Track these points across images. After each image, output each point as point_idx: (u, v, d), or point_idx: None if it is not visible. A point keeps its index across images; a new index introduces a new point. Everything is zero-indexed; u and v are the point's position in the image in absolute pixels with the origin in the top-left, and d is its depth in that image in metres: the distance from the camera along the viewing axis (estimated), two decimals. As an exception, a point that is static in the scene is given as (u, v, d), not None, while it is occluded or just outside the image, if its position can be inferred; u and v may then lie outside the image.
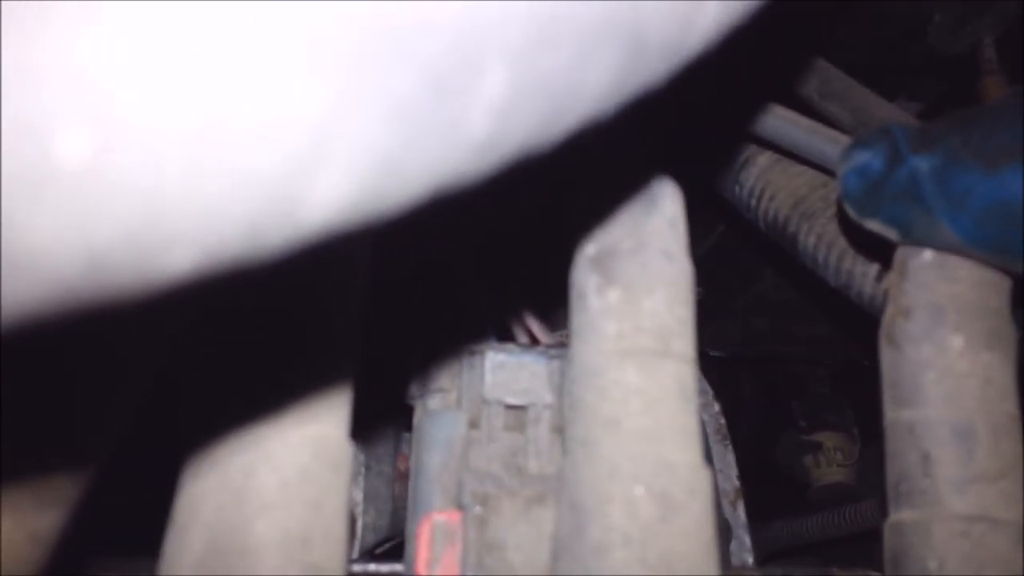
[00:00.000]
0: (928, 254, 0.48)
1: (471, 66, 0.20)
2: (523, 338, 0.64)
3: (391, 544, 0.75)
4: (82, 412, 0.35)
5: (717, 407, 1.02)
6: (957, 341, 0.47)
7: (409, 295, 0.62)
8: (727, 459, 1.00)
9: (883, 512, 1.15)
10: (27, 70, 0.16)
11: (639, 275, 0.44)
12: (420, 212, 0.23)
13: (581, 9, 0.22)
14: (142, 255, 0.18)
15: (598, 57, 0.23)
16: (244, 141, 0.18)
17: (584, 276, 0.46)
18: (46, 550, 0.35)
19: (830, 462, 1.38)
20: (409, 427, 0.78)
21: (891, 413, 0.48)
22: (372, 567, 0.57)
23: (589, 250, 0.46)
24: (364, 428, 0.75)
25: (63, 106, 0.16)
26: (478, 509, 0.48)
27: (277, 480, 0.38)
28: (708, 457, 0.84)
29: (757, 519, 0.95)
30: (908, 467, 0.46)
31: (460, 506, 0.50)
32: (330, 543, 0.39)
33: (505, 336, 0.63)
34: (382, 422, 0.75)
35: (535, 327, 0.63)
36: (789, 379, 1.44)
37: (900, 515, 0.46)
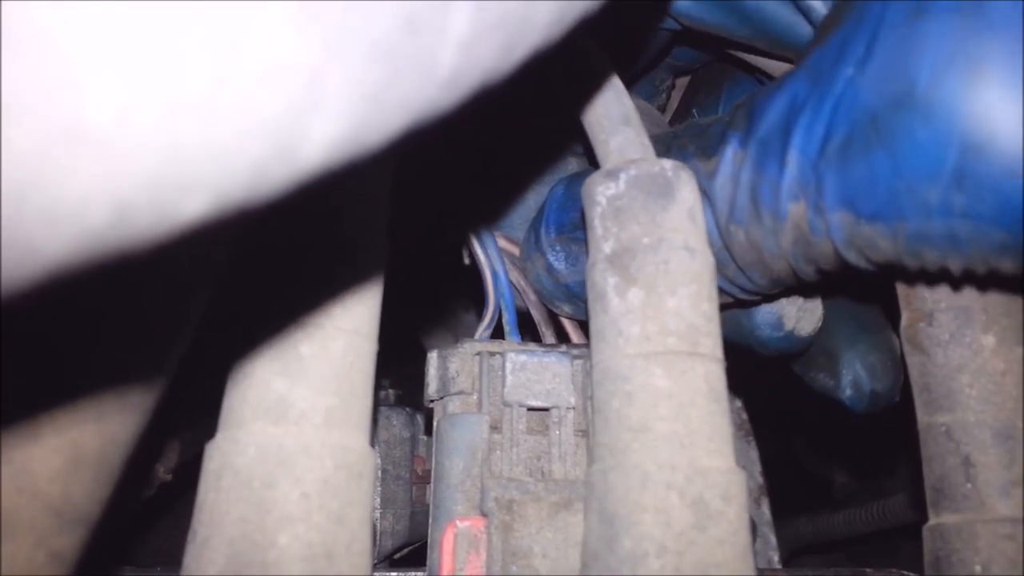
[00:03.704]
0: None
1: (440, 6, 0.22)
2: (550, 337, 0.63)
3: (410, 549, 0.74)
4: (102, 428, 0.35)
5: (739, 402, 1.00)
6: (989, 340, 0.45)
7: (422, 290, 0.61)
8: (751, 455, 0.98)
9: (913, 507, 1.13)
10: (56, 35, 0.17)
11: (661, 273, 0.43)
12: (398, 145, 0.25)
13: None
14: (163, 202, 0.20)
15: None
16: (250, 90, 0.19)
17: (602, 276, 0.44)
18: (68, 570, 0.35)
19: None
20: (425, 429, 0.77)
21: (925, 417, 0.47)
22: (394, 575, 0.56)
23: (606, 248, 0.45)
24: (380, 431, 0.74)
25: (90, 67, 0.17)
26: (502, 516, 0.47)
27: (299, 492, 0.37)
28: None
29: (780, 516, 0.94)
30: (948, 471, 0.45)
31: (484, 512, 0.49)
32: (354, 555, 0.38)
33: (531, 334, 0.62)
34: (399, 425, 0.74)
35: (567, 324, 0.62)
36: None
37: (941, 519, 0.44)
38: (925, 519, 0.47)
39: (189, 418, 0.64)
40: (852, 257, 0.43)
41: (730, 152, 0.47)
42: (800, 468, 1.41)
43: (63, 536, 0.33)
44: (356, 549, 0.38)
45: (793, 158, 0.42)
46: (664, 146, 0.52)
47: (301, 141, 0.21)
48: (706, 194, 0.48)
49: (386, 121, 0.23)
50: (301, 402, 0.38)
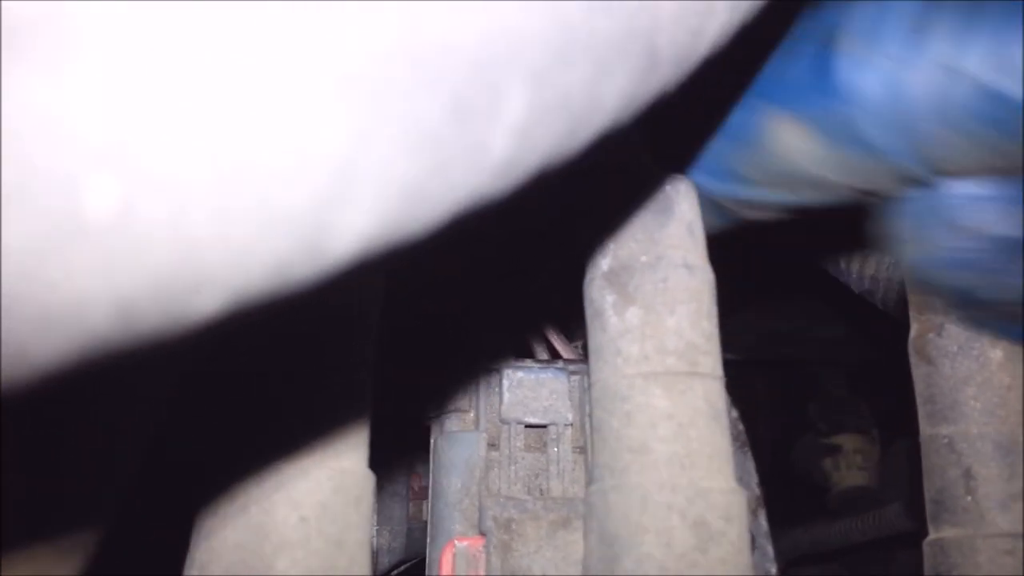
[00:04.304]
0: None
1: (492, 89, 0.20)
2: (543, 353, 0.62)
3: (407, 566, 0.73)
4: (101, 454, 0.34)
5: (735, 413, 1.00)
6: (997, 354, 0.46)
7: (423, 312, 0.60)
8: (747, 466, 0.98)
9: (908, 517, 1.13)
10: (51, 125, 0.15)
11: (659, 292, 0.42)
12: (442, 235, 0.22)
13: (600, 25, 0.23)
14: (172, 301, 0.18)
15: (615, 70, 0.23)
16: (271, 181, 0.17)
17: (600, 293, 0.44)
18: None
19: (850, 465, 1.35)
20: (422, 446, 0.76)
21: (928, 428, 0.47)
22: (393, 595, 0.56)
23: (603, 264, 0.44)
24: (377, 449, 0.73)
25: (88, 160, 0.16)
26: (501, 535, 0.47)
27: (297, 517, 0.36)
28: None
29: (775, 525, 0.94)
30: (948, 484, 0.45)
31: (482, 531, 0.48)
32: (353, 580, 0.37)
33: (524, 351, 0.62)
34: (396, 442, 0.74)
35: (556, 340, 0.62)
36: (806, 381, 1.42)
37: (941, 532, 0.45)
38: (921, 529, 0.47)
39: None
40: None
41: None
42: (795, 478, 1.42)
43: (61, 564, 0.33)
44: (355, 572, 0.37)
45: None
46: None
47: (329, 236, 0.19)
48: None
49: (427, 212, 0.21)
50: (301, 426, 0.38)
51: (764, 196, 0.45)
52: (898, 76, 0.36)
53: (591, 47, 0.22)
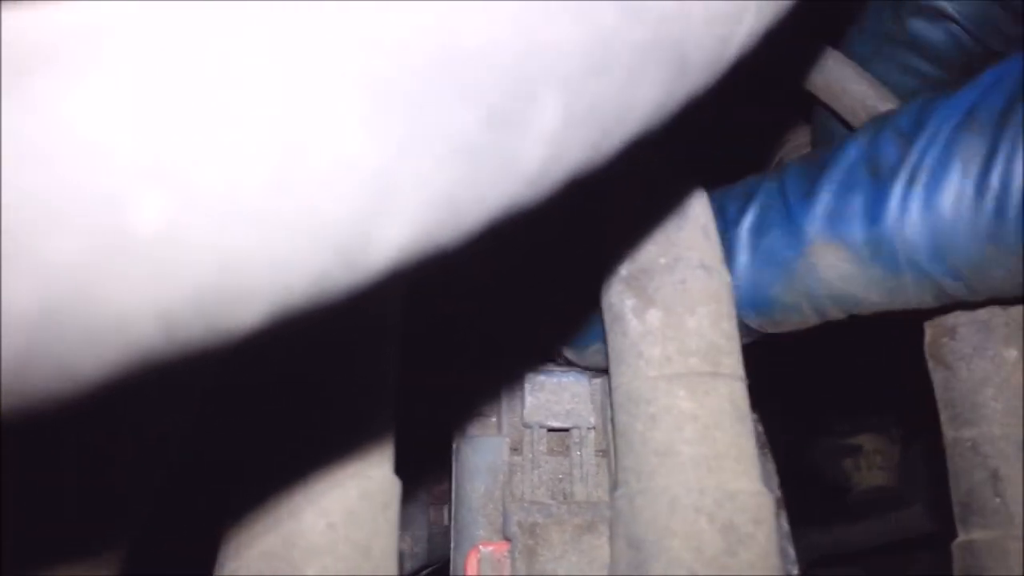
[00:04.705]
0: None
1: (526, 98, 0.20)
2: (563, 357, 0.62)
3: (429, 571, 0.73)
4: (129, 465, 0.34)
5: (755, 414, 1.00)
6: (1011, 354, 0.45)
7: (444, 316, 0.61)
8: (767, 468, 0.98)
9: (929, 518, 1.12)
10: (96, 141, 0.16)
11: (679, 293, 0.42)
12: (474, 244, 0.23)
13: (632, 32, 0.23)
14: (215, 314, 0.18)
15: (646, 78, 0.24)
16: (312, 194, 0.18)
17: (619, 297, 0.44)
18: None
19: (870, 465, 1.34)
20: (442, 450, 0.76)
21: (951, 432, 0.47)
22: (419, 601, 0.56)
23: (622, 269, 0.44)
24: (398, 453, 0.74)
25: (134, 175, 0.16)
26: (526, 540, 0.47)
27: (325, 523, 0.36)
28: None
29: (794, 525, 0.93)
30: (975, 486, 0.44)
31: (507, 536, 0.48)
32: (380, 585, 0.37)
33: (545, 355, 0.62)
34: (416, 447, 0.74)
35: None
36: (825, 381, 1.41)
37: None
38: (942, 530, 0.47)
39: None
40: None
41: None
42: (814, 478, 1.40)
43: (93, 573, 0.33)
44: (382, 579, 0.38)
45: None
46: None
47: (367, 247, 0.19)
48: None
49: (462, 220, 0.21)
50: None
51: (792, 317, 0.48)
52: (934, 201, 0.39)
53: (623, 55, 0.22)
